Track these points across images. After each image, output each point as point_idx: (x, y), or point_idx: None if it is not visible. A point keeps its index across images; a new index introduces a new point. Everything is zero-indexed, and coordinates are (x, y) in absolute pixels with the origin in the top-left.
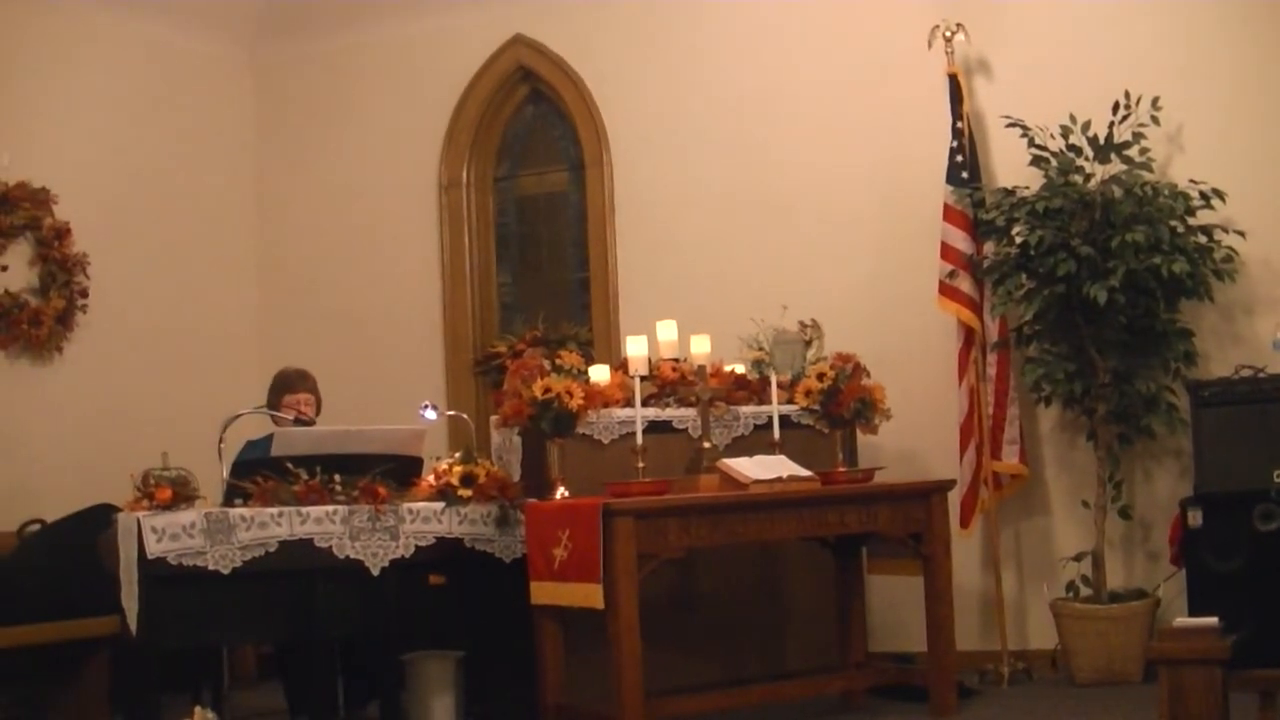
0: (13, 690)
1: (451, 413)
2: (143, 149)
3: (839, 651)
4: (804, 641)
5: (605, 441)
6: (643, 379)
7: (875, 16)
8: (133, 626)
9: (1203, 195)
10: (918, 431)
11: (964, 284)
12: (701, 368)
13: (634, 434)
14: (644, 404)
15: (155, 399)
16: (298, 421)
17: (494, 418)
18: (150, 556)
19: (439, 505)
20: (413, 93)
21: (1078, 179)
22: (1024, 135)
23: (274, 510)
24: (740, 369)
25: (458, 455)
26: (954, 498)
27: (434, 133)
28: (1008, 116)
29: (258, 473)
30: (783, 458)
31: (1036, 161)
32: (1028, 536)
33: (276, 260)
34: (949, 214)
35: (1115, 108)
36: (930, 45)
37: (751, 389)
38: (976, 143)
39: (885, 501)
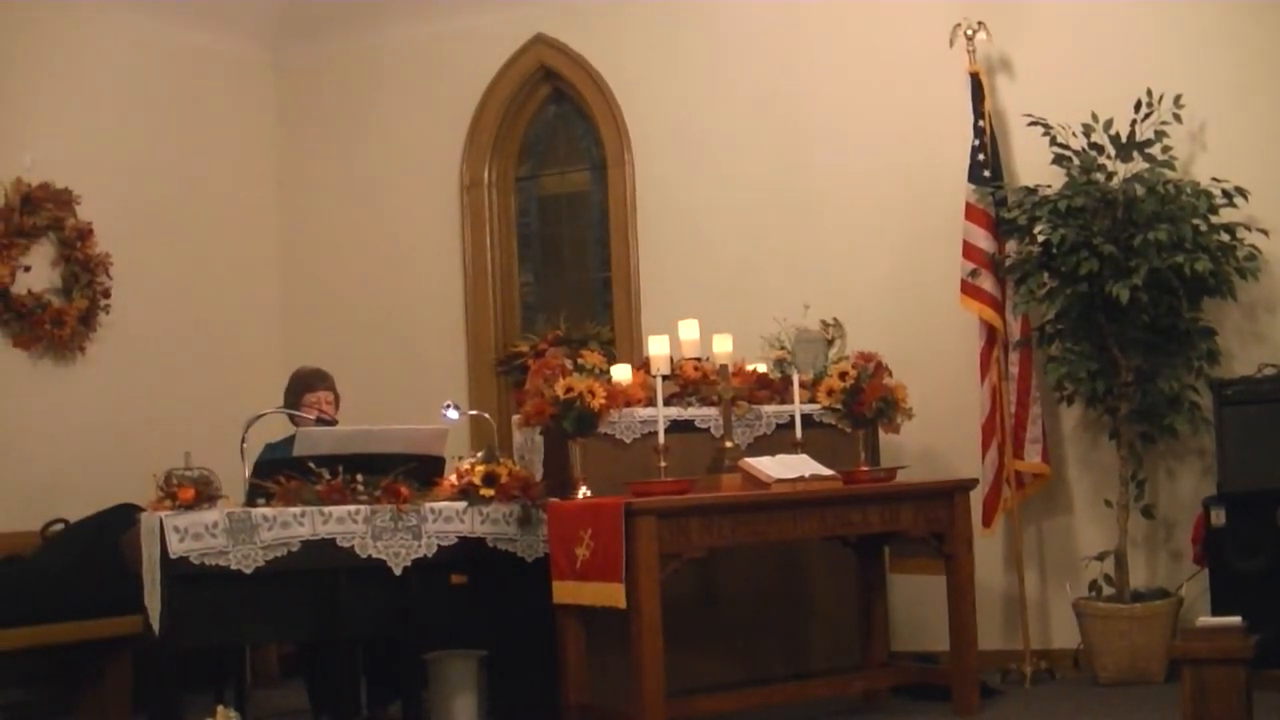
0: (36, 689)
1: (473, 412)
2: (165, 150)
3: (861, 651)
4: (826, 641)
5: (627, 441)
6: (665, 378)
7: (896, 15)
8: (155, 626)
9: (1225, 193)
10: (940, 431)
11: (986, 283)
12: (724, 367)
13: (656, 433)
14: (666, 403)
15: (177, 399)
16: (320, 421)
17: (516, 417)
18: (173, 556)
19: (461, 505)
20: (434, 93)
21: (1100, 177)
22: (1046, 134)
23: (296, 510)
24: (762, 368)
25: (480, 455)
26: (976, 497)
27: (456, 133)
28: (1029, 115)
29: (280, 472)
30: (805, 457)
31: (1058, 160)
32: (1050, 536)
33: (298, 260)
34: (971, 213)
35: (1137, 106)
36: (952, 44)
37: (774, 388)
38: (998, 141)
39: (907, 501)
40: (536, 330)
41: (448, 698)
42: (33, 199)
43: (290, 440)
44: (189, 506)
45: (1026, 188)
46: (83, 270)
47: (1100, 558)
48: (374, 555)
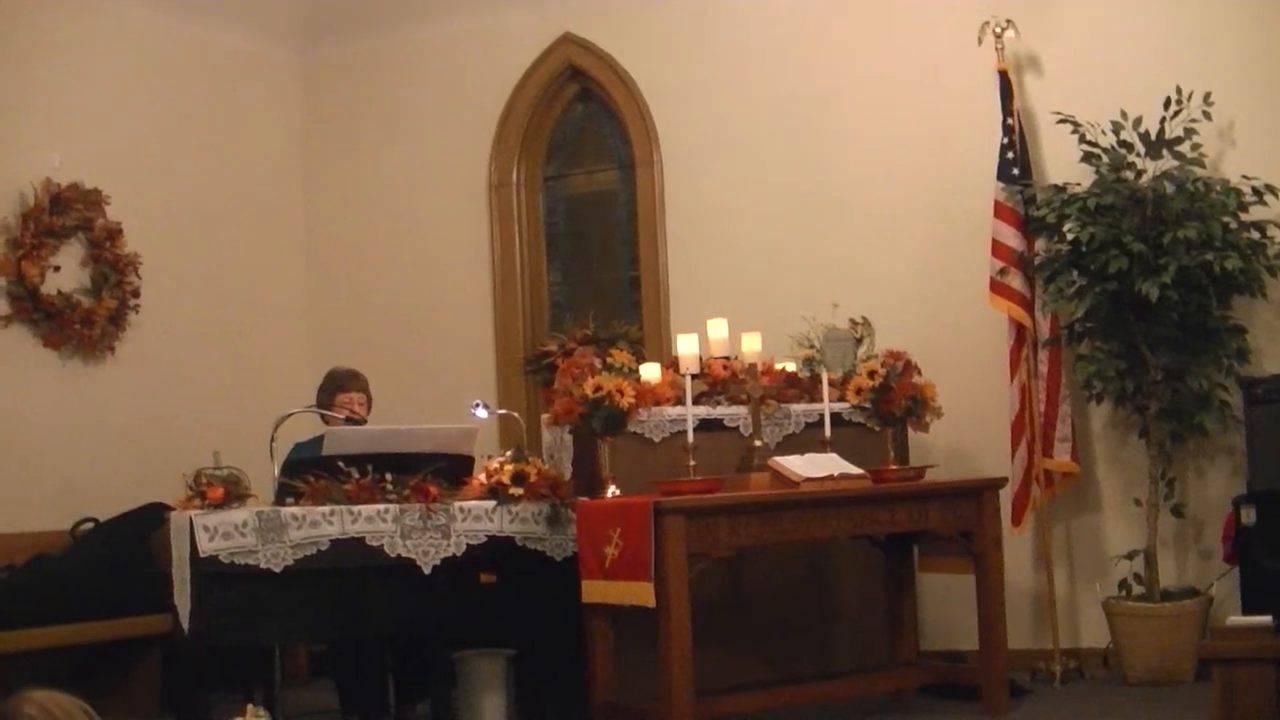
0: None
1: (502, 411)
2: (193, 150)
3: (889, 650)
4: (854, 640)
5: (656, 440)
6: (694, 377)
7: (925, 13)
8: (184, 625)
9: (1255, 191)
10: (969, 429)
11: (1015, 281)
12: (752, 366)
13: (685, 432)
14: (695, 402)
15: (206, 399)
16: (349, 421)
17: (545, 416)
18: (202, 555)
19: (490, 504)
20: (462, 92)
21: (1129, 175)
22: (1075, 131)
23: (325, 509)
24: (791, 367)
25: (509, 454)
26: (1005, 496)
27: (483, 132)
28: (1058, 113)
29: (309, 472)
30: (834, 456)
31: (1087, 158)
32: (1079, 534)
33: (326, 260)
34: (1000, 211)
35: (1166, 103)
36: (980, 41)
37: (802, 387)
38: (1027, 139)
39: (936, 499)
40: (565, 329)
41: (476, 697)
42: (62, 199)
43: (318, 440)
44: (218, 505)
45: (1055, 186)
46: (112, 270)
47: (1130, 557)
48: (403, 554)
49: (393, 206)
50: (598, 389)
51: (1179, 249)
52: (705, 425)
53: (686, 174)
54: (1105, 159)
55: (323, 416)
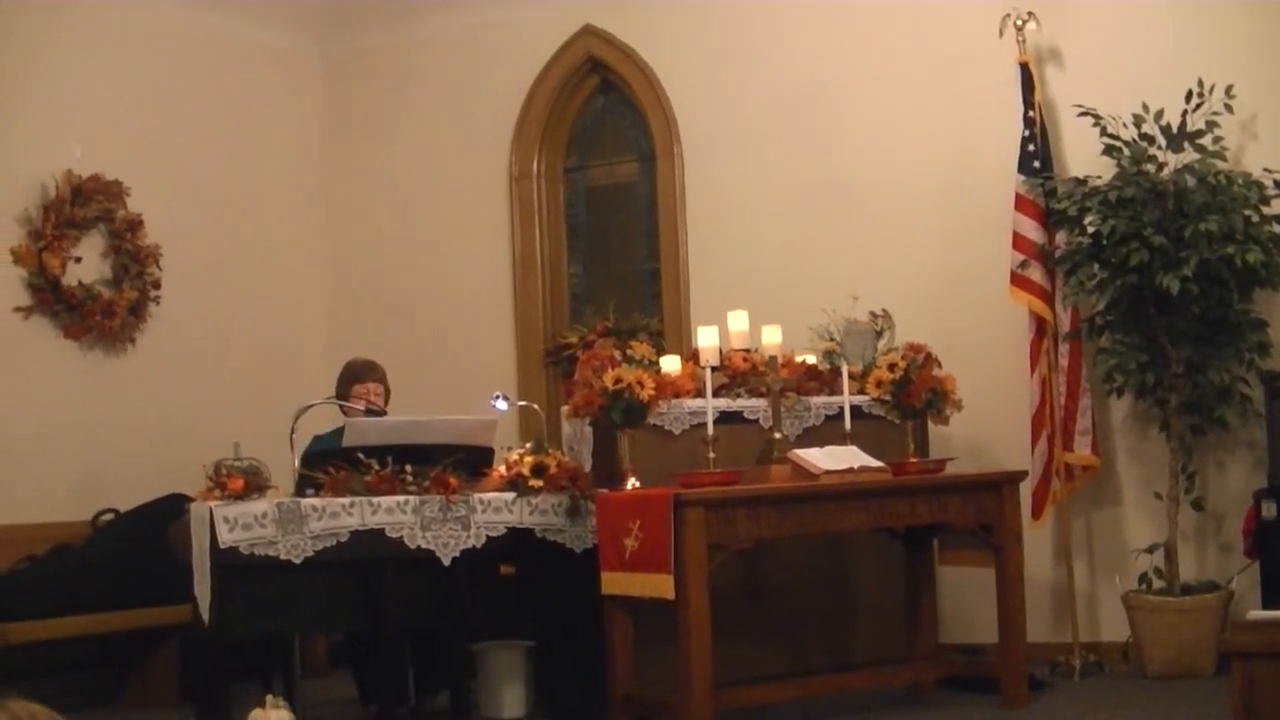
0: (85, 677)
1: (522, 403)
2: (214, 142)
3: (908, 643)
4: (873, 632)
5: (676, 432)
6: (714, 369)
7: (946, 5)
8: (205, 615)
9: (1277, 184)
10: (989, 422)
11: (1036, 274)
12: (772, 358)
13: (705, 424)
14: (715, 394)
15: (226, 390)
16: (368, 412)
17: (565, 408)
18: (222, 546)
19: (510, 495)
20: (482, 84)
21: (1150, 168)
22: (1096, 124)
23: (345, 500)
24: (811, 359)
25: (529, 445)
26: (1025, 489)
27: (504, 124)
28: (1079, 105)
29: (329, 463)
30: (854, 448)
31: (1108, 151)
32: (1099, 528)
33: (347, 252)
34: (1020, 204)
35: (1188, 96)
36: (1001, 34)
37: (822, 379)
38: (1048, 132)
39: (956, 492)
40: (585, 321)
41: (495, 688)
42: (83, 191)
43: (338, 431)
44: (238, 497)
45: (1076, 179)
46: (133, 261)
47: (1150, 550)
48: (423, 546)
49: (413, 198)
50: (618, 381)
51: (1200, 242)
52: (725, 418)
53: (707, 166)
54: (1126, 152)
55: (342, 408)
